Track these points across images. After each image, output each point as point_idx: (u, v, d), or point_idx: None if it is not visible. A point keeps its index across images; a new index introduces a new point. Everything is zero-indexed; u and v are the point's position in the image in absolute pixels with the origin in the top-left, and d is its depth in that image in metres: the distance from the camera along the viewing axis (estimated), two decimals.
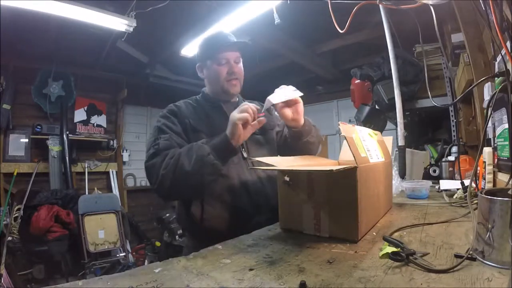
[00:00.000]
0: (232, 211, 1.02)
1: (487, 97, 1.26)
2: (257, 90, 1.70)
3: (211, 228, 0.99)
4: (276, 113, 1.35)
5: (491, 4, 0.80)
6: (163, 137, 1.01)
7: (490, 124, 1.15)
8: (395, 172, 1.59)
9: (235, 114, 0.91)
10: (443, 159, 1.99)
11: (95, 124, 4.07)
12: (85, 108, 3.99)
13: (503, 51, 0.83)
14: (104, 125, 4.16)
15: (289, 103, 1.02)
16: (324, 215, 0.76)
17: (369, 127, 1.06)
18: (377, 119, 2.63)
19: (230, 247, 0.72)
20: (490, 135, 1.21)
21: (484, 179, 1.15)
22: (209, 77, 1.18)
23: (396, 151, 1.99)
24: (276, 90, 1.01)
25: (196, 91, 1.27)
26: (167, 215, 3.65)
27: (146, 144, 1.10)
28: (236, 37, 1.18)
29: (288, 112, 1.02)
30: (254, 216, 1.01)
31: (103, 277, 0.55)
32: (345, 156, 1.02)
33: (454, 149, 1.97)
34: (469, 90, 1.32)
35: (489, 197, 0.55)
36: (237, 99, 1.24)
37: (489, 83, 1.21)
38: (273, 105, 0.98)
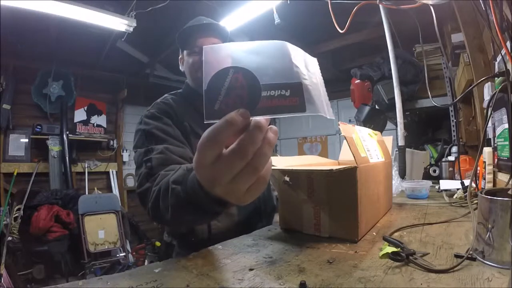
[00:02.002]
0: (238, 221, 0.97)
1: (487, 97, 1.26)
2: None
3: (217, 241, 0.84)
4: None
5: (491, 4, 0.80)
6: (156, 149, 0.78)
7: (490, 124, 1.15)
8: (395, 172, 1.59)
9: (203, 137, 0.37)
10: (443, 159, 1.99)
11: (95, 124, 4.07)
12: (85, 108, 3.99)
13: (503, 51, 0.83)
14: (104, 125, 4.16)
15: None
16: (324, 215, 0.76)
17: (369, 127, 1.06)
18: (377, 119, 2.63)
19: (230, 247, 0.72)
20: (490, 135, 1.21)
21: (484, 179, 1.15)
22: (186, 70, 1.04)
23: (396, 151, 1.99)
24: None
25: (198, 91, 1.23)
26: None
27: (134, 156, 0.86)
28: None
29: None
30: (258, 223, 1.01)
31: (103, 277, 0.55)
32: (345, 156, 1.02)
33: (454, 149, 1.97)
34: (469, 90, 1.31)
35: (489, 197, 0.55)
36: None
37: (489, 83, 1.21)
38: None
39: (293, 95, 0.34)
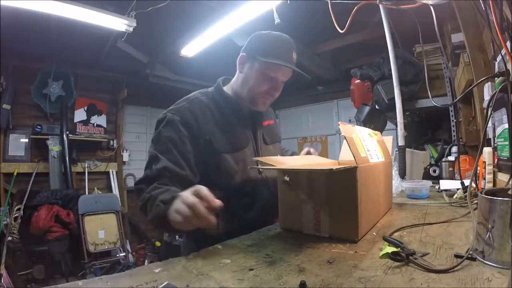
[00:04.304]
0: (246, 225, 0.94)
1: (487, 97, 1.26)
2: None
3: (223, 239, 0.87)
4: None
5: (491, 4, 0.80)
6: (160, 164, 0.88)
7: (490, 124, 1.15)
8: (395, 172, 1.59)
9: (177, 204, 0.69)
10: (443, 159, 1.99)
11: (95, 124, 4.06)
12: (85, 108, 3.99)
13: (503, 51, 0.83)
14: (104, 125, 4.16)
15: None
16: (324, 215, 0.76)
17: (369, 127, 1.06)
18: (377, 119, 2.63)
19: (230, 247, 0.72)
20: (490, 135, 1.21)
21: (484, 179, 1.15)
22: (247, 79, 1.01)
23: (396, 151, 1.99)
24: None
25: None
26: None
27: (149, 147, 0.98)
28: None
29: None
30: (263, 226, 1.00)
31: (103, 277, 0.55)
32: (345, 156, 1.02)
33: (454, 149, 1.97)
34: (469, 90, 1.32)
35: (489, 197, 0.55)
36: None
37: (489, 83, 1.21)
38: None
39: None
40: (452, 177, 1.78)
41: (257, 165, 0.96)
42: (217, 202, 0.65)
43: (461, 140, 2.16)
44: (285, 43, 1.02)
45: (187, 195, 0.67)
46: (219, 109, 1.02)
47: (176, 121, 0.94)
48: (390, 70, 2.12)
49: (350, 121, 3.13)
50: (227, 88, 1.08)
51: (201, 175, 0.96)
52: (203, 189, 0.67)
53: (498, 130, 1.05)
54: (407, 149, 1.99)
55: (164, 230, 0.90)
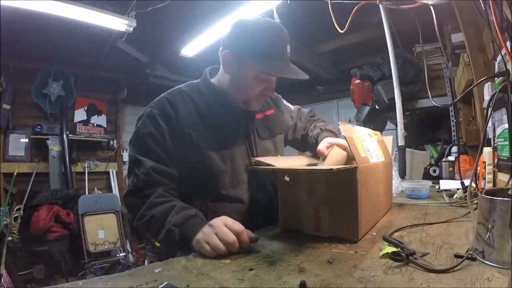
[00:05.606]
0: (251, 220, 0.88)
1: (487, 97, 1.26)
2: None
3: None
4: (290, 115, 1.17)
5: (491, 4, 0.80)
6: (144, 166, 0.82)
7: (490, 124, 1.15)
8: (395, 172, 1.59)
9: (211, 237, 0.67)
10: (443, 159, 1.99)
11: (95, 124, 4.07)
12: (85, 108, 4.00)
13: (503, 51, 0.83)
14: (104, 125, 4.16)
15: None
16: (324, 215, 0.76)
17: (369, 127, 1.06)
18: (377, 119, 2.63)
19: None
20: (490, 135, 1.21)
21: (484, 179, 1.15)
22: (237, 82, 0.92)
23: (396, 151, 1.99)
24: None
25: None
26: None
27: (129, 149, 0.92)
28: None
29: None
30: (261, 228, 0.98)
31: (103, 277, 0.55)
32: None
33: (454, 149, 1.97)
34: (469, 90, 1.32)
35: (489, 197, 0.55)
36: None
37: (489, 83, 1.21)
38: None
39: None
40: (452, 177, 1.78)
41: (252, 165, 0.90)
42: (252, 237, 0.68)
43: (461, 140, 2.16)
44: (278, 38, 0.87)
45: (223, 229, 0.67)
46: (205, 100, 0.93)
47: (155, 115, 0.87)
48: (390, 70, 2.12)
49: (350, 121, 3.13)
50: (214, 80, 0.98)
51: (188, 177, 0.88)
52: (237, 224, 0.68)
53: (498, 130, 1.05)
54: (407, 149, 1.99)
55: (173, 248, 0.83)
